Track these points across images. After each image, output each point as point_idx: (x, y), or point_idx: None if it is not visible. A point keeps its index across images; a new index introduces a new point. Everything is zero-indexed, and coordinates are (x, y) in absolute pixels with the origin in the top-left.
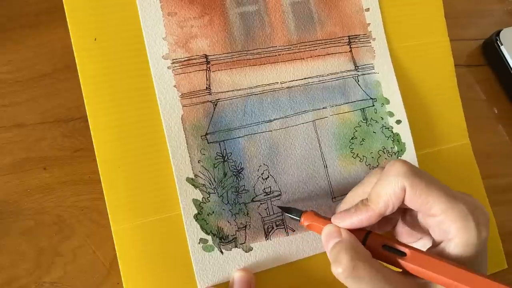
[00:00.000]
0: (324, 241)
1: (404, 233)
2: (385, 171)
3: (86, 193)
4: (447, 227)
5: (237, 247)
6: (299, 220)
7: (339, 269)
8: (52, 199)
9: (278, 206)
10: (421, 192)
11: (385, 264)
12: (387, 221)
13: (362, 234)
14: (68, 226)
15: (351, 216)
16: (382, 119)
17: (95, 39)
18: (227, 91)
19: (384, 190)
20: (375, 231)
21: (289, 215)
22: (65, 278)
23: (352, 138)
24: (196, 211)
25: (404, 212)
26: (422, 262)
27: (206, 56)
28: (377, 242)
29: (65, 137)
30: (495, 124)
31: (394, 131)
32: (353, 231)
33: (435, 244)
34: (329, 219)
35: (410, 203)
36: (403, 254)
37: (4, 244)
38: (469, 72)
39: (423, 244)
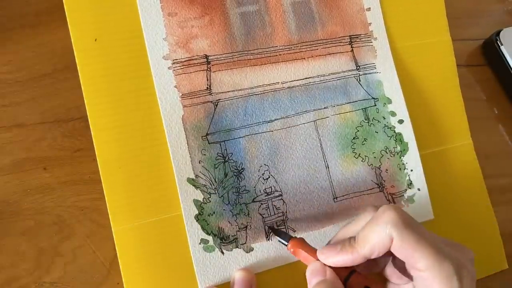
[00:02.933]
0: (308, 276)
1: (393, 275)
2: (376, 215)
3: (86, 193)
4: (430, 284)
5: (238, 247)
6: (286, 245)
7: None
8: (52, 199)
9: (269, 227)
10: (409, 246)
11: None
12: (375, 263)
13: (346, 272)
14: (68, 226)
15: (336, 255)
16: (384, 118)
17: (95, 40)
18: (228, 91)
19: (372, 235)
20: (362, 270)
21: (278, 238)
22: (65, 278)
23: (354, 138)
24: (197, 212)
25: (394, 256)
26: None
27: (206, 56)
28: (358, 282)
29: (65, 137)
30: (495, 124)
31: (397, 131)
32: (338, 268)
33: None
34: (315, 250)
35: (396, 253)
36: None
37: (4, 244)
38: (469, 72)
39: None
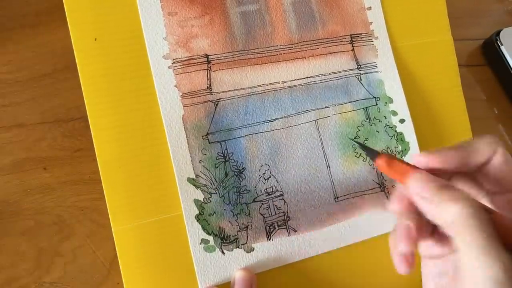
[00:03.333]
0: (423, 186)
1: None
2: (477, 136)
3: (86, 193)
4: None
5: (238, 247)
6: (375, 158)
7: (464, 208)
8: (52, 199)
9: (355, 141)
10: (509, 163)
11: None
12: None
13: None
14: (68, 226)
15: (440, 152)
16: (386, 118)
17: (95, 39)
18: (228, 91)
19: (477, 144)
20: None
21: (366, 152)
22: (65, 278)
23: (355, 138)
24: (197, 212)
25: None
26: None
27: (207, 56)
28: None
29: (65, 137)
30: (495, 124)
31: (398, 130)
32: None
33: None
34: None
35: (496, 168)
36: None
37: (4, 244)
38: (469, 72)
39: None
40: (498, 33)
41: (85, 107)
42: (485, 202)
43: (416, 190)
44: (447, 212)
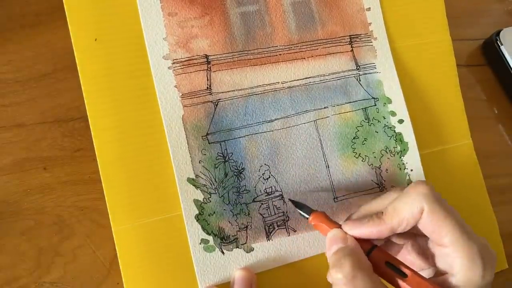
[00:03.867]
0: (328, 244)
1: (407, 262)
2: (407, 189)
3: (86, 193)
4: (453, 261)
5: (238, 247)
6: (308, 218)
7: (338, 275)
8: (52, 199)
9: (290, 200)
10: (438, 220)
11: (384, 281)
12: (392, 247)
13: (367, 247)
14: (68, 226)
15: (361, 226)
16: (384, 118)
17: (95, 39)
18: (228, 91)
19: (403, 207)
20: None
21: (300, 211)
22: (65, 278)
23: (354, 138)
24: (197, 212)
25: (413, 239)
26: (421, 287)
27: (206, 56)
28: (381, 257)
29: (65, 137)
30: (495, 124)
31: (397, 131)
32: (359, 242)
33: (438, 274)
34: (338, 224)
35: (423, 227)
36: (404, 275)
37: (4, 244)
38: (469, 72)
39: (424, 275)
40: (498, 33)
41: (85, 107)
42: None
43: (326, 247)
44: (332, 275)
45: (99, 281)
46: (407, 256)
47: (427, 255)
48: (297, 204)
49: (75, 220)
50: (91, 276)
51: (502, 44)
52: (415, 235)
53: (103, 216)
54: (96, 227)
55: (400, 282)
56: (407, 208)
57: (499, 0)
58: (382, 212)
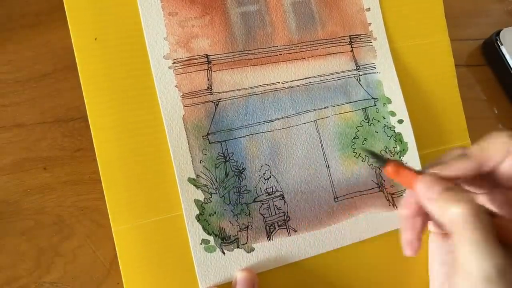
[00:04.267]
0: (429, 188)
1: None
2: (489, 136)
3: (86, 193)
4: None
5: (239, 247)
6: (384, 166)
7: (460, 210)
8: (52, 199)
9: (362, 149)
10: None
11: None
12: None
13: None
14: (68, 226)
15: (450, 166)
16: (384, 118)
17: (95, 39)
18: (229, 91)
19: (489, 145)
20: None
21: (375, 159)
22: (65, 278)
23: (354, 138)
24: (198, 212)
25: (490, 191)
26: None
27: (207, 56)
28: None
29: (65, 137)
30: (495, 124)
31: (396, 131)
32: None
33: None
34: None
35: (508, 169)
36: None
37: (4, 244)
38: (469, 72)
39: None
40: (498, 33)
41: (85, 107)
42: (493, 200)
43: (423, 192)
44: (449, 212)
45: (99, 281)
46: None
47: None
48: (372, 154)
49: (75, 220)
50: (91, 276)
51: (502, 44)
52: (492, 187)
53: (103, 216)
54: (96, 227)
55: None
56: (494, 146)
57: (499, 0)
58: (466, 154)
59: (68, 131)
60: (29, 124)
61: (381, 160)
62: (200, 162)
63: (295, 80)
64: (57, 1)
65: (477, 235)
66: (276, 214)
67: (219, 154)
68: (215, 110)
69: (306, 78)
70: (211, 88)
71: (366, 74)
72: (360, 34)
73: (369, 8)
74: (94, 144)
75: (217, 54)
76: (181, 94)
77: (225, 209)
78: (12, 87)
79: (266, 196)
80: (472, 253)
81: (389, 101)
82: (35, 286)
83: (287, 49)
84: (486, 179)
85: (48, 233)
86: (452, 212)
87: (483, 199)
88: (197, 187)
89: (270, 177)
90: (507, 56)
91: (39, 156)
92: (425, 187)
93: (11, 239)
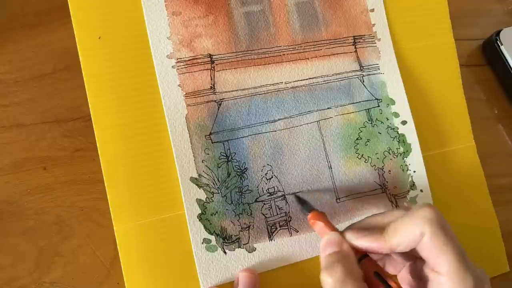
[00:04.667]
0: (323, 246)
1: (405, 280)
2: (412, 211)
3: (86, 193)
4: None
5: (240, 247)
6: (307, 214)
7: (329, 279)
8: (52, 199)
9: (295, 195)
10: (438, 246)
11: None
12: (391, 263)
13: (358, 254)
14: (68, 226)
15: (363, 238)
16: (388, 119)
17: (99, 38)
18: (232, 91)
19: (404, 228)
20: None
21: (302, 206)
22: (65, 278)
23: (357, 139)
24: (199, 211)
25: (412, 260)
26: None
27: (210, 56)
28: (370, 266)
29: (65, 137)
30: (495, 124)
31: (400, 132)
32: (353, 248)
33: None
34: (336, 228)
35: (422, 250)
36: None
37: (4, 244)
38: (469, 72)
39: None
40: (498, 33)
41: (86, 107)
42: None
43: (321, 250)
44: (324, 280)
45: (99, 281)
46: (405, 275)
47: (421, 279)
48: (300, 200)
49: (75, 220)
50: (91, 276)
51: (502, 44)
52: (415, 257)
53: (103, 216)
54: (96, 227)
55: None
56: (408, 230)
57: (499, 0)
58: (384, 229)
59: (68, 131)
60: (29, 124)
61: (306, 208)
62: (203, 162)
63: (298, 81)
64: (57, 1)
65: None
66: (277, 214)
67: (222, 153)
68: (218, 109)
69: (309, 78)
70: (214, 88)
71: (369, 75)
72: (364, 35)
73: (373, 9)
74: (97, 143)
75: (220, 54)
76: (184, 93)
77: (226, 209)
78: (12, 87)
79: (268, 196)
80: None
81: (392, 102)
82: (35, 286)
83: (291, 49)
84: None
85: (48, 233)
86: (324, 280)
87: (403, 272)
88: (199, 186)
89: (272, 177)
90: (507, 56)
91: (39, 156)
92: (322, 246)
93: (11, 239)
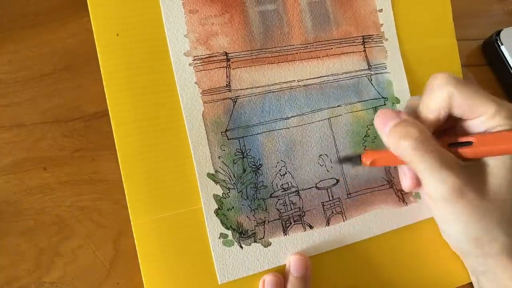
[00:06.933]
0: (382, 122)
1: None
2: (428, 83)
3: (86, 193)
4: (493, 124)
5: (256, 242)
6: (360, 164)
7: (407, 142)
8: (52, 199)
9: (339, 159)
10: (469, 96)
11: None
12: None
13: None
14: (68, 226)
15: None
16: None
17: (117, 34)
18: (246, 88)
19: (433, 100)
20: None
21: (352, 162)
22: (65, 278)
23: (365, 136)
24: (216, 206)
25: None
26: (490, 141)
27: (226, 54)
28: (443, 142)
29: (65, 137)
30: None
31: None
32: None
33: None
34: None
35: (458, 108)
36: (469, 144)
37: (4, 244)
38: (469, 72)
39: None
40: (498, 33)
41: (86, 107)
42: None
43: (379, 128)
44: (400, 145)
45: (99, 281)
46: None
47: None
48: (346, 159)
49: (75, 220)
50: (91, 276)
51: (502, 44)
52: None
53: (103, 216)
54: (96, 227)
55: (468, 151)
56: (437, 99)
57: (499, 0)
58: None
59: (68, 131)
60: (29, 124)
61: (356, 159)
62: (219, 158)
63: (310, 79)
64: (57, 1)
65: (425, 163)
66: (291, 209)
67: (237, 150)
68: (233, 107)
69: (321, 76)
70: (229, 86)
71: (377, 74)
72: (373, 35)
73: (382, 9)
74: (115, 139)
75: (236, 52)
76: (201, 90)
77: (242, 204)
78: (12, 87)
79: (282, 191)
80: (426, 178)
81: (398, 101)
82: (35, 286)
83: (303, 48)
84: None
85: (48, 233)
86: (401, 146)
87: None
88: (216, 182)
89: (285, 173)
90: (507, 56)
91: (39, 156)
92: (381, 123)
93: (11, 239)
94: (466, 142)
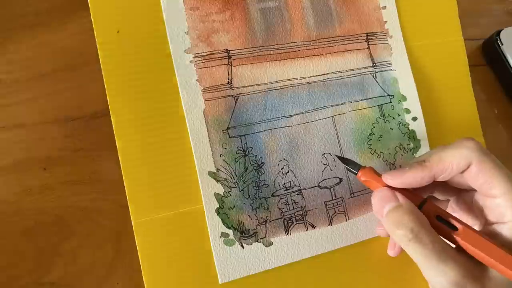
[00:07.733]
0: (378, 205)
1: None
2: (454, 143)
3: (86, 193)
4: (505, 210)
5: (257, 241)
6: (356, 173)
7: (401, 232)
8: (52, 199)
9: (336, 155)
10: (486, 171)
11: None
12: (437, 203)
13: (417, 202)
14: (68, 226)
15: (403, 174)
16: (399, 115)
17: (117, 32)
18: (248, 86)
19: (449, 155)
20: None
21: (347, 167)
22: (65, 278)
23: (370, 134)
24: (217, 205)
25: (457, 194)
26: (472, 240)
27: (227, 51)
28: (432, 211)
29: (65, 137)
30: (495, 124)
31: (410, 128)
32: (409, 197)
33: (489, 223)
34: (385, 184)
35: (472, 179)
36: (455, 229)
37: (4, 244)
38: (469, 72)
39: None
40: (498, 33)
41: (86, 107)
42: (459, 205)
43: (376, 209)
44: (395, 233)
45: (99, 281)
46: (452, 213)
47: (473, 210)
48: (343, 160)
49: (75, 220)
50: (91, 276)
51: (502, 44)
52: (459, 191)
53: (103, 216)
54: (96, 227)
55: (452, 235)
56: (453, 158)
57: (499, 0)
58: (424, 160)
59: (68, 131)
60: (29, 124)
61: (353, 166)
62: (220, 156)
63: (313, 76)
64: (57, 1)
65: (422, 256)
66: (294, 208)
67: (239, 148)
68: (235, 104)
69: (324, 74)
70: (231, 83)
71: (382, 71)
72: (377, 32)
73: (385, 6)
74: (115, 137)
75: (237, 49)
76: (202, 88)
77: (244, 203)
78: (12, 87)
79: (284, 190)
80: (424, 270)
81: (404, 98)
82: (35, 286)
83: (306, 45)
84: (453, 184)
85: (48, 233)
86: (397, 234)
87: (449, 206)
88: (217, 180)
89: (288, 171)
90: (507, 56)
91: (39, 156)
92: (377, 205)
93: (11, 239)
94: (452, 225)
